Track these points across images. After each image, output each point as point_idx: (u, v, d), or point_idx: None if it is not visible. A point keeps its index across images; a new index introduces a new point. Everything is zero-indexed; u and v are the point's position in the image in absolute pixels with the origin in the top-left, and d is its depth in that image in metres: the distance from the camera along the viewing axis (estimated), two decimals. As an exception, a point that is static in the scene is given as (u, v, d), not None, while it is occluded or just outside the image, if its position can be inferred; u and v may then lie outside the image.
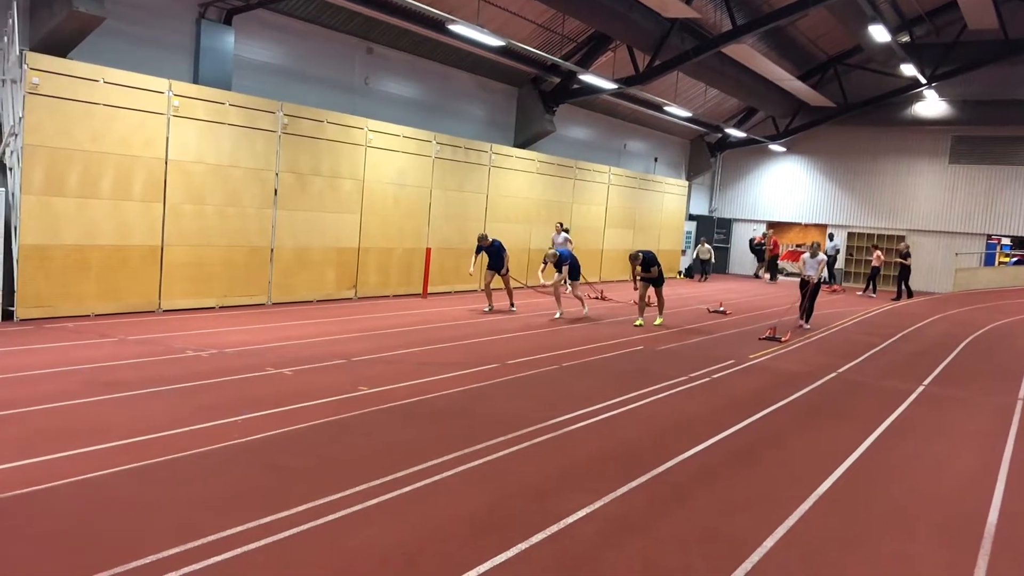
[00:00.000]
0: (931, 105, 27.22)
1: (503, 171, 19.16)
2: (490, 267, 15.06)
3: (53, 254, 10.66)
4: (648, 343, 12.38)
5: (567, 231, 19.12)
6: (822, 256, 15.44)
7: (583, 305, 15.13)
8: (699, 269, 27.80)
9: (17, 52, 10.24)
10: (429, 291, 16.85)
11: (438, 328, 12.42)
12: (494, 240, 15.14)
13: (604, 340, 12.32)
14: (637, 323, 14.30)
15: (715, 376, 10.04)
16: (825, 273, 15.70)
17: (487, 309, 14.93)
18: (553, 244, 18.36)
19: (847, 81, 27.20)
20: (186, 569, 3.93)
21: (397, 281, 16.38)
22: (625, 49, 20.05)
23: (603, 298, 17.74)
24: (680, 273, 28.25)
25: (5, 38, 10.47)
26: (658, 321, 14.58)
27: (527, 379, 9.09)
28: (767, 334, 13.85)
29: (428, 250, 16.78)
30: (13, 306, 10.33)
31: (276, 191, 13.59)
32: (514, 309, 15.22)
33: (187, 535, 4.30)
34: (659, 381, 9.40)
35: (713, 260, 28.13)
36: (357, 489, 5.17)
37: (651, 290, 14.66)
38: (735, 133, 28.22)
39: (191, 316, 11.83)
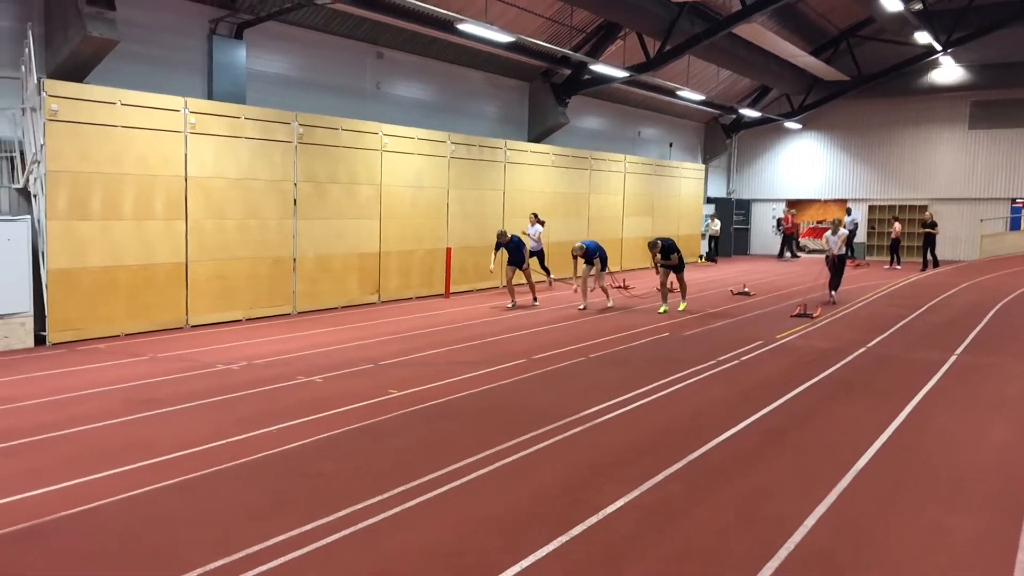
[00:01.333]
0: (947, 72, 26.85)
1: (519, 166, 19.17)
2: (510, 263, 15.10)
3: (81, 277, 10.82)
4: (674, 329, 12.35)
5: (542, 223, 18.03)
6: (843, 231, 15.77)
7: (608, 296, 15.10)
8: (715, 251, 27.73)
9: (35, 80, 10.39)
10: (451, 291, 16.91)
11: (463, 327, 12.47)
12: (513, 236, 15.17)
13: (630, 329, 12.31)
14: (661, 310, 14.26)
15: (743, 358, 10.00)
16: (844, 248, 15.82)
17: (510, 305, 14.95)
18: (528, 236, 17.37)
19: (860, 53, 26.91)
20: (233, 580, 4.00)
21: (419, 283, 16.45)
22: (635, 36, 19.97)
23: (625, 287, 17.69)
24: (701, 257, 28.09)
25: (23, 67, 10.63)
26: (682, 306, 14.53)
27: (555, 373, 9.12)
28: (798, 311, 13.94)
29: (448, 250, 16.82)
30: (45, 331, 10.50)
31: (295, 201, 13.69)
32: (536, 304, 15.23)
33: (231, 547, 4.37)
34: (688, 367, 9.38)
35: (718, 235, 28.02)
36: (395, 492, 5.22)
37: (672, 276, 14.63)
38: (749, 113, 28.02)
39: (219, 330, 11.97)
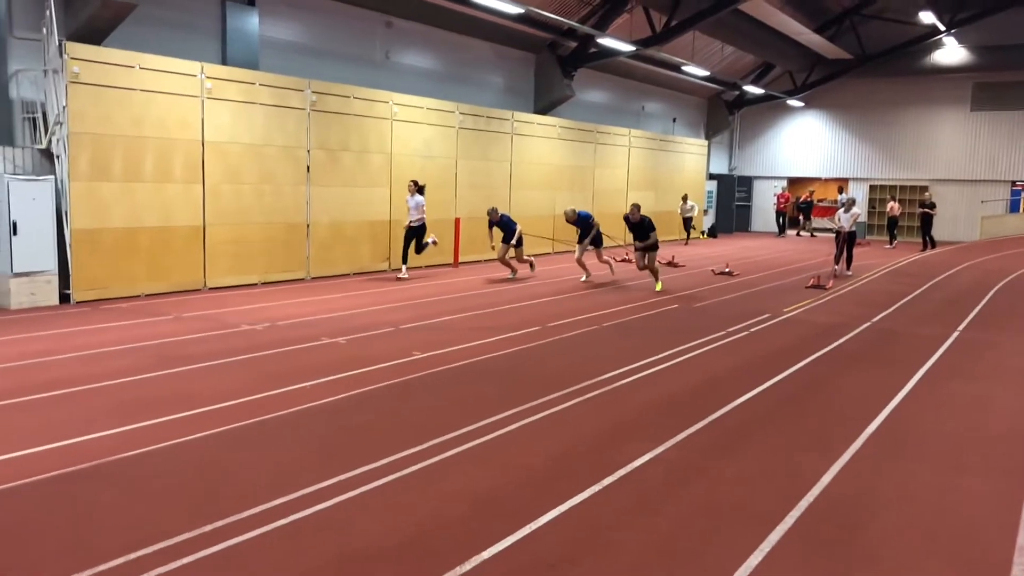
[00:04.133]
0: (951, 52, 27.00)
1: (525, 138, 19.30)
2: (504, 240, 14.87)
3: (103, 237, 11.00)
4: (683, 302, 12.60)
5: (421, 190, 14.49)
6: (856, 210, 16.70)
7: (611, 269, 15.23)
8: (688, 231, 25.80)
9: (57, 43, 10.48)
10: (460, 261, 17.10)
11: (473, 296, 12.70)
12: (503, 215, 14.85)
13: (638, 301, 12.56)
14: (658, 288, 13.81)
15: (753, 330, 10.26)
16: (854, 226, 16.69)
17: (511, 276, 15.00)
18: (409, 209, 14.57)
19: (864, 32, 26.99)
20: (293, 517, 4.24)
21: (428, 251, 16.58)
22: (641, 10, 20.04)
23: (674, 263, 17.69)
24: (703, 233, 28.31)
25: (44, 29, 10.71)
26: (658, 287, 13.86)
27: (570, 340, 9.36)
28: (811, 283, 14.69)
29: (457, 220, 16.99)
30: (69, 289, 10.70)
31: (308, 168, 13.85)
32: (533, 272, 15.40)
33: (285, 489, 4.60)
34: (699, 337, 9.63)
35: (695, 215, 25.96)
36: (431, 443, 5.46)
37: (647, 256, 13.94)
38: (752, 90, 28.15)
39: (236, 293, 12.17)
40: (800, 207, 29.66)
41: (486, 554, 3.87)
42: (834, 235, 17.15)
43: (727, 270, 16.96)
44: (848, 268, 16.95)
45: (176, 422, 5.81)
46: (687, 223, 25.62)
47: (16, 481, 4.64)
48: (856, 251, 18.51)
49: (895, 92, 28.84)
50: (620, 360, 8.21)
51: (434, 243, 14.90)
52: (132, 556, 3.74)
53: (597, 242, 14.80)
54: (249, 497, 4.47)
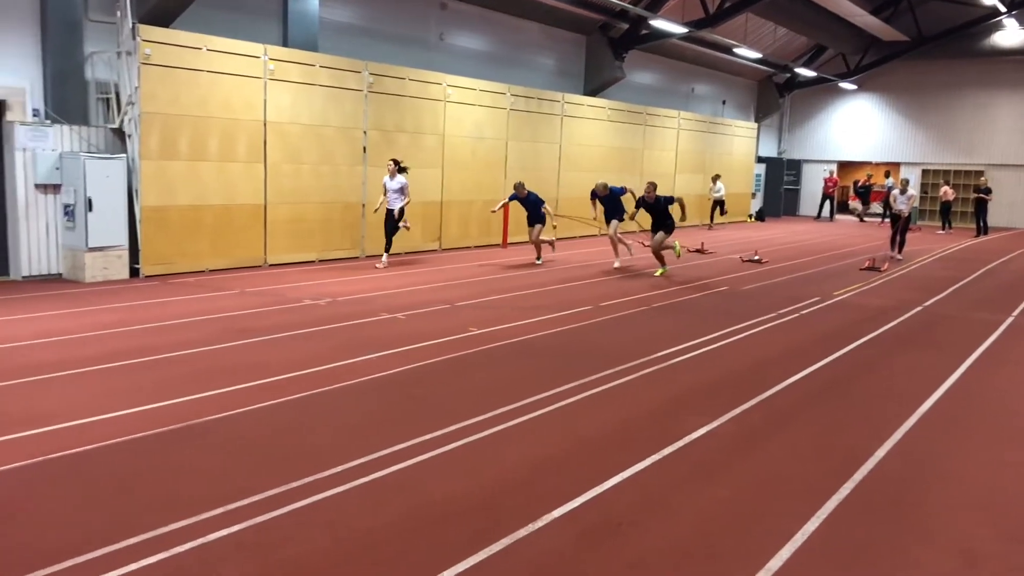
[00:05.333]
0: (1011, 34, 26.35)
1: (575, 120, 19.38)
2: (531, 222, 14.45)
3: (170, 215, 11.42)
4: (733, 284, 12.68)
5: (403, 170, 13.14)
6: (911, 192, 16.66)
7: (616, 252, 14.36)
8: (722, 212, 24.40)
9: (130, 25, 10.87)
10: (508, 242, 17.31)
11: (523, 276, 12.92)
12: (530, 192, 14.37)
13: (688, 283, 12.66)
14: (658, 273, 13.36)
15: (803, 312, 10.33)
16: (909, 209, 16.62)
17: (538, 261, 14.53)
18: (386, 190, 13.08)
19: (921, 13, 26.44)
20: (370, 476, 4.52)
21: (478, 232, 16.88)
22: (694, -9, 19.96)
23: (703, 250, 17.58)
24: (751, 216, 28.13)
25: (118, 12, 11.10)
26: (659, 272, 13.44)
27: (623, 319, 9.54)
28: (867, 265, 14.94)
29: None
30: (138, 264, 11.15)
31: (365, 149, 14.13)
32: (539, 262, 14.55)
33: (359, 452, 4.88)
34: (750, 318, 9.73)
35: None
36: (493, 413, 5.71)
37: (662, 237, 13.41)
38: (804, 72, 27.78)
39: (295, 269, 12.54)
40: (859, 192, 28.87)
41: (556, 513, 4.10)
42: (889, 219, 17.13)
43: (756, 257, 16.32)
44: (900, 252, 16.90)
45: (250, 389, 6.13)
46: (719, 205, 24.30)
47: (107, 441, 4.98)
48: (908, 236, 18.32)
49: (951, 75, 28.22)
50: (673, 339, 8.38)
51: (406, 228, 13.36)
52: (230, 507, 4.05)
53: (612, 216, 14.30)
54: (326, 458, 4.76)
